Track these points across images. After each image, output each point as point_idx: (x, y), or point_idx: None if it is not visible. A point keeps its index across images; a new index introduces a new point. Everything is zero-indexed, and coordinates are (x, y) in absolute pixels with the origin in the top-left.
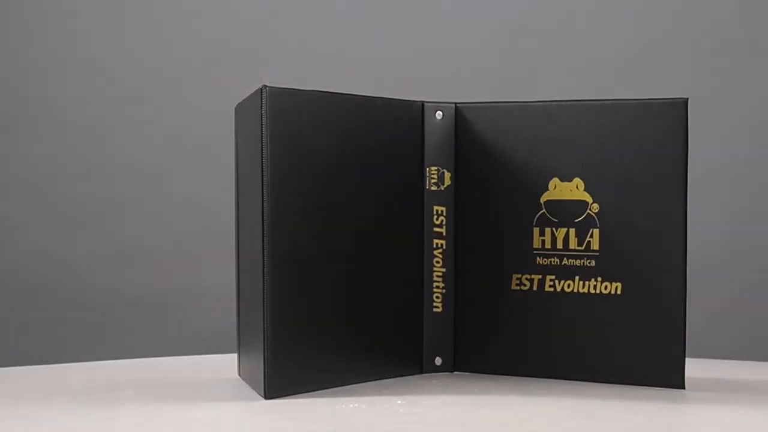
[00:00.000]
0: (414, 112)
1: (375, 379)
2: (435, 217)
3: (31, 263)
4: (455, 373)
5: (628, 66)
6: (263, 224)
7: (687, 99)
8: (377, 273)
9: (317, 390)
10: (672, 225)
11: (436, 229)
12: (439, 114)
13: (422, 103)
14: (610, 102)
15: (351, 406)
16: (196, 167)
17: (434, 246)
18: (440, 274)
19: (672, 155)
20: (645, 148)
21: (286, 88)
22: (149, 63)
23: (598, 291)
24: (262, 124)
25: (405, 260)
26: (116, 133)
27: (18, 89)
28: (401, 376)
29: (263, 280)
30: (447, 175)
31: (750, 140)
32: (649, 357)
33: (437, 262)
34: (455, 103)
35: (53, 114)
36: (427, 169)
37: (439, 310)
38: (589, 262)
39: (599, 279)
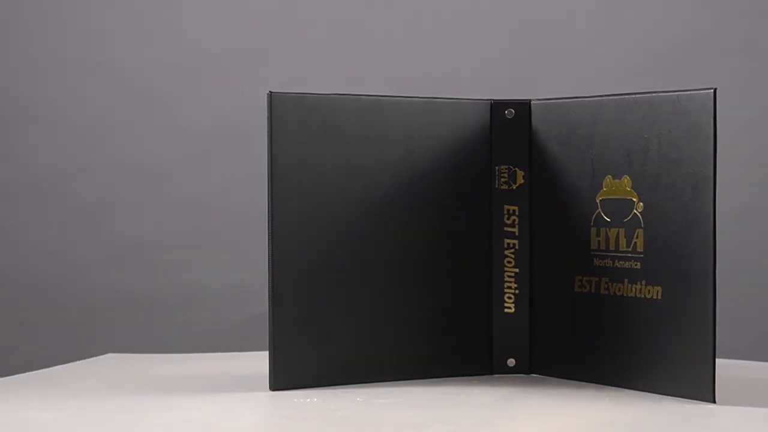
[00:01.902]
0: (481, 111)
1: (435, 377)
2: (506, 216)
3: (30, 263)
4: (532, 375)
5: (628, 66)
6: (270, 223)
7: (715, 89)
8: (429, 271)
9: (351, 384)
10: (701, 226)
11: (508, 229)
12: (510, 112)
13: (491, 102)
14: (650, 95)
15: (307, 400)
16: (196, 167)
17: (506, 246)
18: (512, 274)
19: (700, 149)
20: (679, 142)
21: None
22: (149, 63)
23: (643, 295)
24: (269, 128)
25: (467, 259)
26: (116, 133)
27: (18, 89)
28: (469, 375)
29: (269, 273)
30: (520, 173)
31: (750, 140)
32: (680, 368)
33: (509, 262)
34: (530, 100)
35: (53, 114)
36: (497, 168)
37: (512, 310)
38: (636, 264)
39: (643, 282)
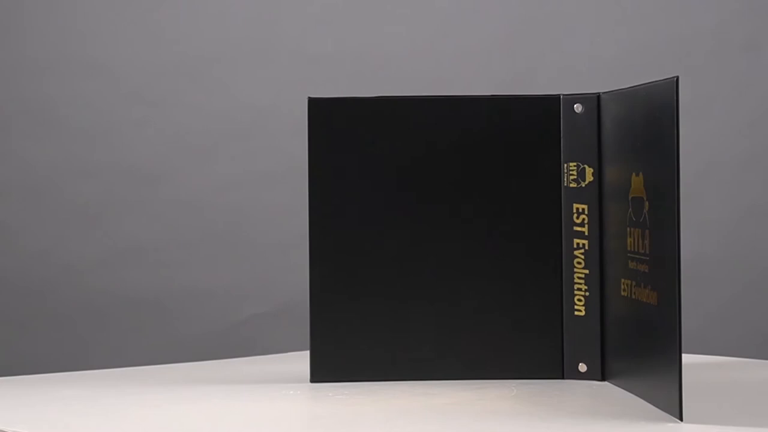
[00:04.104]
0: (550, 107)
1: (501, 378)
2: (575, 215)
3: (30, 264)
4: (605, 382)
5: (628, 66)
6: (310, 225)
7: (677, 77)
8: (495, 272)
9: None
10: (668, 229)
11: (577, 228)
12: (578, 107)
13: (560, 96)
14: (655, 84)
15: (290, 392)
16: (196, 167)
17: (575, 246)
18: (582, 276)
19: (666, 145)
20: (660, 136)
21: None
22: (149, 63)
23: (649, 300)
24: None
25: (535, 260)
26: (116, 133)
27: (17, 89)
28: (539, 379)
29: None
30: (588, 170)
31: (749, 140)
32: (660, 383)
33: (578, 263)
34: (598, 94)
35: (52, 114)
36: (565, 165)
37: (582, 313)
38: (645, 267)
39: (650, 287)
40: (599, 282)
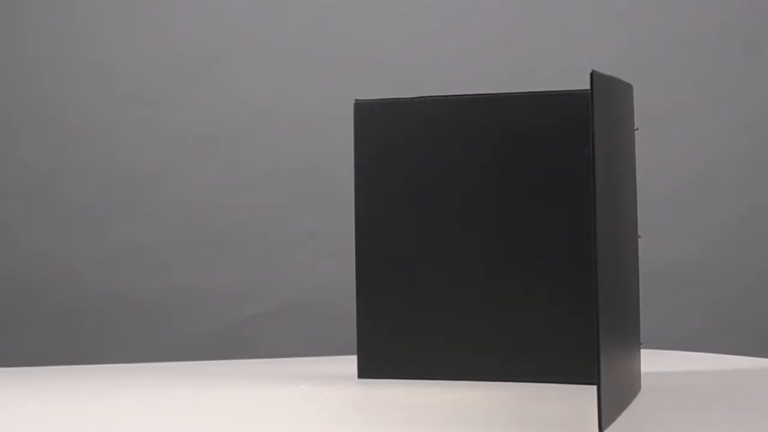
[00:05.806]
0: (586, 102)
1: (543, 382)
2: None
3: (30, 264)
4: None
5: (628, 66)
6: (357, 227)
7: (592, 71)
8: (531, 274)
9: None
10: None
11: None
12: None
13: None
14: None
15: (302, 387)
16: (196, 168)
17: None
18: None
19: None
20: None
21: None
22: (149, 63)
23: None
24: (354, 137)
25: (573, 262)
26: (115, 133)
27: (17, 90)
28: (578, 384)
29: (356, 267)
30: None
31: (750, 140)
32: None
33: None
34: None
35: (52, 114)
36: None
37: None
38: None
39: None
40: None
